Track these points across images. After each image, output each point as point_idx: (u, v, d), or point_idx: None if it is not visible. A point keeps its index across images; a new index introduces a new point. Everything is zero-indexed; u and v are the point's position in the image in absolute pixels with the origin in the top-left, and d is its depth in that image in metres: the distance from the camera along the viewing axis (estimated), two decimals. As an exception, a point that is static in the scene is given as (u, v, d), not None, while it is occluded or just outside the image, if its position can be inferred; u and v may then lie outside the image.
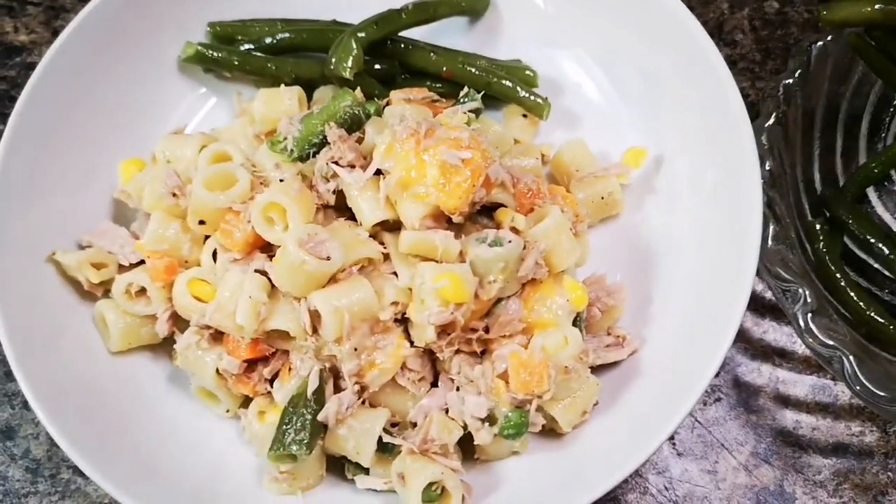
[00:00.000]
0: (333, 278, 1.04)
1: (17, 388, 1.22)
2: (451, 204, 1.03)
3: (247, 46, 1.29)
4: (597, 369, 1.13)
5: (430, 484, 1.04)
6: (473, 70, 1.27)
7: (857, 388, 1.06)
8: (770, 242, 1.12)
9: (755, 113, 1.21)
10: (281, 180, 1.08)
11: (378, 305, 1.04)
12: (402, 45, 1.29)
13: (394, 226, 1.08)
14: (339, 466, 1.11)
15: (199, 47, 1.27)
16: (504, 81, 1.27)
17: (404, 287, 1.06)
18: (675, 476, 1.21)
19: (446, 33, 1.32)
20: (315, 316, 1.04)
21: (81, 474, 1.20)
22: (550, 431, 1.11)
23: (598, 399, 1.12)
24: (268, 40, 1.29)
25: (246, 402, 1.13)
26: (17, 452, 1.22)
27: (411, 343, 1.07)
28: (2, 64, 1.41)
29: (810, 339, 1.08)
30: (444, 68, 1.28)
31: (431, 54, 1.29)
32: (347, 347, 1.03)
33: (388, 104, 1.19)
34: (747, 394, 1.25)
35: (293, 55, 1.29)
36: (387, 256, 1.08)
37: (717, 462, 1.22)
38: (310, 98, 1.27)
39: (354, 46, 1.21)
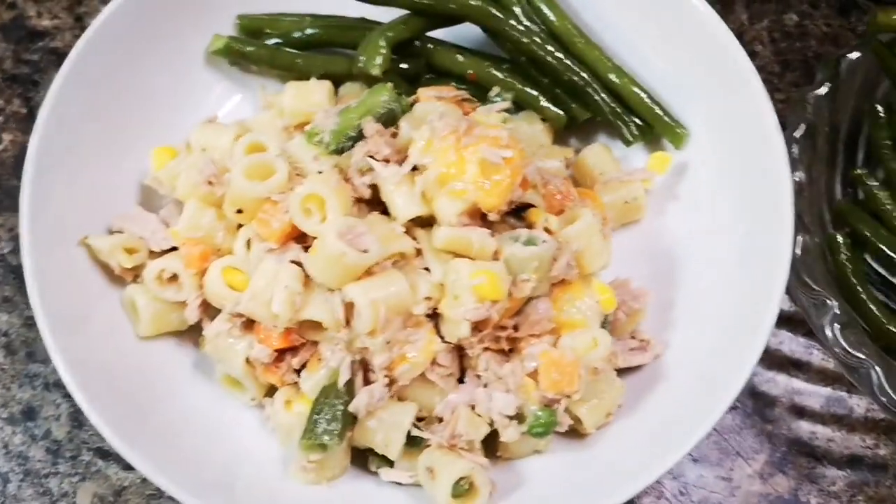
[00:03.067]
0: (368, 271, 1.04)
1: (39, 370, 1.24)
2: (490, 202, 1.04)
3: (274, 40, 1.29)
4: (620, 372, 1.14)
5: (459, 479, 1.04)
6: (499, 74, 1.27)
7: (884, 399, 1.07)
8: (798, 253, 1.13)
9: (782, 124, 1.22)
10: (319, 172, 1.09)
11: (411, 299, 1.05)
12: (430, 45, 1.30)
13: (426, 221, 1.09)
14: (361, 458, 1.12)
15: (229, 40, 1.28)
16: (527, 89, 1.27)
17: (437, 283, 1.06)
18: (691, 481, 1.22)
19: (470, 34, 1.31)
20: (348, 308, 1.04)
21: (102, 456, 1.21)
22: (572, 432, 1.12)
23: (622, 402, 1.13)
24: (296, 35, 1.29)
25: (270, 391, 1.14)
26: (37, 433, 1.22)
27: (442, 338, 1.07)
28: (25, 48, 1.42)
29: (838, 351, 1.09)
30: (470, 70, 1.28)
31: (458, 56, 1.29)
32: (380, 340, 1.04)
33: (415, 102, 1.19)
34: (763, 403, 1.26)
35: (321, 51, 1.30)
36: (419, 252, 1.08)
37: (732, 469, 1.23)
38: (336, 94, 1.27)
39: (383, 45, 1.22)
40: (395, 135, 1.12)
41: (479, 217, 1.07)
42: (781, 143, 1.15)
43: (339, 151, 1.11)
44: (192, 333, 1.17)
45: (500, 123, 1.12)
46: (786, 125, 1.22)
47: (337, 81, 1.27)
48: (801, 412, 1.26)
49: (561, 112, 1.27)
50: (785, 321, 1.28)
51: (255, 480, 1.10)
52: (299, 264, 1.07)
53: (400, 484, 1.10)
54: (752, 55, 1.43)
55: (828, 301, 1.11)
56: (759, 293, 1.11)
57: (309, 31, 1.29)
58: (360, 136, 1.11)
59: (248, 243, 1.11)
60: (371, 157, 1.09)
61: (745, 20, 1.47)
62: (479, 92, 1.26)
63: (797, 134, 1.21)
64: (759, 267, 1.13)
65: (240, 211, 1.10)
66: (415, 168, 1.08)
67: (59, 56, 1.40)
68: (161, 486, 1.03)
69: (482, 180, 1.04)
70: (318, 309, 1.05)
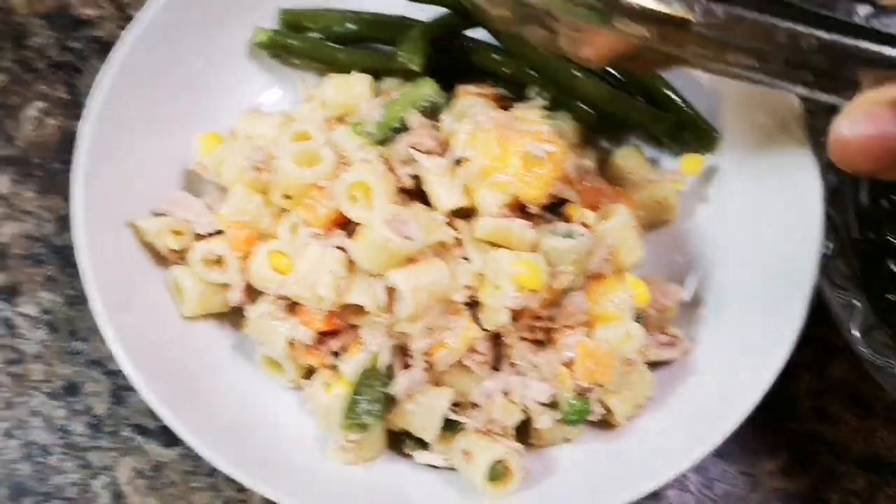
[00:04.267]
0: (410, 259, 1.07)
1: (81, 347, 1.27)
2: (531, 194, 1.07)
3: (315, 35, 1.32)
4: (650, 367, 1.17)
5: (495, 462, 1.07)
6: (533, 73, 1.29)
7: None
8: (828, 255, 1.14)
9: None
10: (365, 161, 1.11)
11: (452, 287, 1.07)
12: (467, 43, 1.31)
13: (466, 212, 1.11)
14: (395, 443, 1.15)
15: (272, 33, 1.30)
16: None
17: (476, 272, 1.09)
18: (715, 476, 1.25)
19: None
20: (390, 293, 1.07)
21: (141, 433, 1.23)
22: (602, 422, 1.15)
23: (652, 395, 1.16)
24: (337, 30, 1.31)
25: (308, 374, 1.16)
26: (79, 408, 1.24)
27: (480, 326, 1.09)
28: (68, 36, 1.44)
29: (864, 350, 1.11)
30: (506, 69, 1.30)
31: (494, 54, 1.31)
32: (420, 326, 1.06)
33: (452, 99, 1.21)
34: (787, 400, 1.28)
35: (360, 46, 1.32)
36: (458, 241, 1.11)
37: (754, 465, 1.25)
38: (375, 89, 1.29)
39: (423, 41, 1.24)
40: (436, 128, 1.15)
41: (518, 209, 1.10)
42: (812, 146, 1.17)
43: (383, 142, 1.14)
44: (232, 316, 1.20)
45: (541, 119, 1.14)
46: (817, 129, 1.23)
47: (375, 76, 1.28)
48: (824, 410, 1.28)
49: (592, 111, 1.29)
50: (810, 318, 1.29)
51: (292, 459, 1.12)
52: (343, 250, 1.09)
53: (433, 467, 1.13)
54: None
55: (855, 302, 1.13)
56: (787, 294, 1.14)
57: (350, 26, 1.31)
58: (403, 128, 1.13)
59: (293, 228, 1.14)
60: (414, 148, 1.12)
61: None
62: (515, 90, 1.28)
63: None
64: (788, 268, 1.15)
65: (287, 196, 1.13)
66: (457, 160, 1.10)
67: (101, 44, 1.43)
68: (205, 457, 1.05)
69: (524, 173, 1.06)
70: (361, 294, 1.08)
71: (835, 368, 1.31)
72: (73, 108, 1.39)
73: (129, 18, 1.42)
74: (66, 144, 1.36)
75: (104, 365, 1.26)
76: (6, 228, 1.33)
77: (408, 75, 1.24)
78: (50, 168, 1.36)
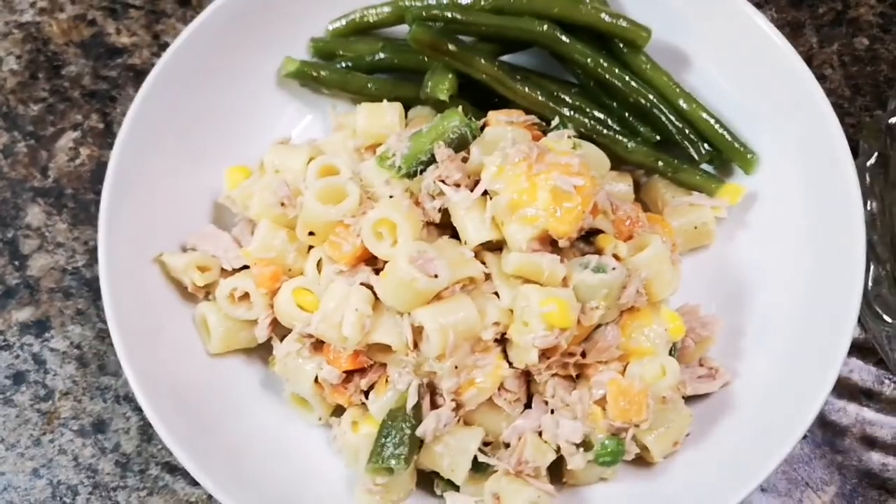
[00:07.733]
0: (437, 296, 1.05)
1: (110, 383, 1.27)
2: (561, 229, 1.05)
3: (345, 63, 1.31)
4: (688, 400, 1.14)
5: (525, 506, 1.05)
6: (566, 98, 1.27)
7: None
8: (871, 284, 1.12)
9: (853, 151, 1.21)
10: (390, 196, 1.10)
11: (480, 325, 1.06)
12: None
13: (495, 246, 1.10)
14: (426, 481, 1.13)
15: (301, 64, 1.29)
16: (595, 112, 1.27)
17: (506, 308, 1.07)
18: (758, 511, 1.22)
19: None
20: (417, 331, 1.06)
21: (170, 471, 1.23)
22: (639, 460, 1.12)
23: (690, 431, 1.13)
24: (367, 59, 1.31)
25: (337, 411, 1.15)
26: (107, 446, 1.24)
27: (509, 364, 1.08)
28: (104, 65, 1.44)
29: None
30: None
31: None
32: (448, 365, 1.05)
33: (484, 125, 1.19)
34: (833, 433, 1.25)
35: (390, 75, 1.31)
36: (487, 276, 1.09)
37: (801, 501, 1.22)
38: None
39: (450, 70, 1.23)
40: (465, 159, 1.13)
41: (548, 243, 1.07)
42: (853, 172, 1.14)
43: (411, 175, 1.12)
44: (260, 351, 1.19)
45: (571, 150, 1.12)
46: (857, 153, 1.21)
47: (405, 105, 1.27)
48: (872, 443, 1.25)
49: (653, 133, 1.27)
50: (856, 349, 1.26)
51: (319, 500, 1.11)
52: (369, 287, 1.08)
53: (465, 509, 1.11)
54: (822, 79, 1.42)
55: (901, 333, 1.10)
56: (830, 324, 1.11)
57: (381, 55, 1.30)
58: (431, 161, 1.12)
59: (319, 265, 1.13)
60: (442, 181, 1.10)
61: (814, 44, 1.46)
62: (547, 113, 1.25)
63: (869, 163, 1.20)
64: (831, 297, 1.13)
65: (312, 233, 1.12)
66: (485, 193, 1.08)
67: (136, 73, 1.43)
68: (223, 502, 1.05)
69: (553, 207, 1.04)
70: (387, 332, 1.07)
71: (884, 398, 1.27)
72: (106, 136, 1.40)
73: (163, 46, 1.43)
74: (99, 174, 1.37)
75: (134, 401, 1.25)
76: (37, 261, 1.33)
77: (438, 104, 1.23)
78: (82, 199, 1.37)
